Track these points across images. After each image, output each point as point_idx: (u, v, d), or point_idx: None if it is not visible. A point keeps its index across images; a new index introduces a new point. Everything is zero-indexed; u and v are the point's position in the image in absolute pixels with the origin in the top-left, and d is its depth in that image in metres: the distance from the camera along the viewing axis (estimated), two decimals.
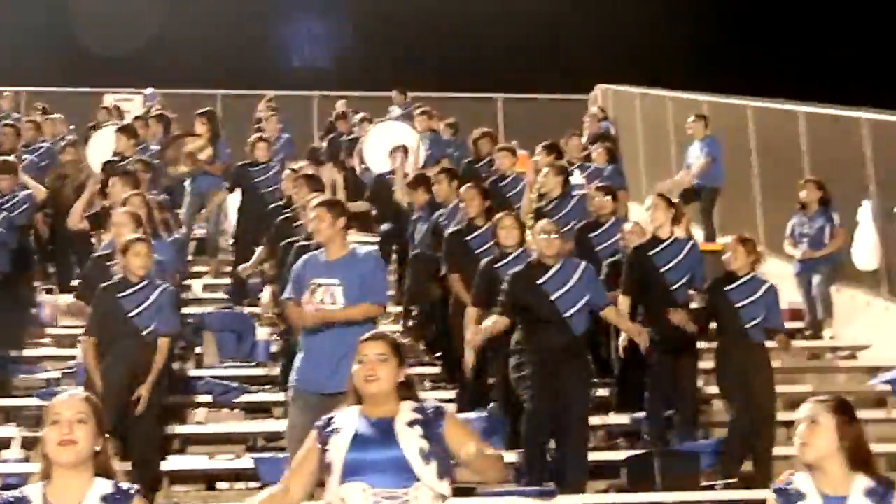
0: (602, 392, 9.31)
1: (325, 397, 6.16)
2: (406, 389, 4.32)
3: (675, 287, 8.41)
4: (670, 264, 8.47)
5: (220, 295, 12.17)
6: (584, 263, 7.80)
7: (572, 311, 7.52)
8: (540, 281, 7.59)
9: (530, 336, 7.58)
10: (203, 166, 12.63)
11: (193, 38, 23.05)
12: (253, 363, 10.21)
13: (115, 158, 11.56)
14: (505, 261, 8.17)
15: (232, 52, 23.18)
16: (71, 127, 15.73)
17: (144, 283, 7.59)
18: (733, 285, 8.03)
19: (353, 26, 25.25)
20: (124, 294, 7.57)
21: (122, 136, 12.05)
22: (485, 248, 8.74)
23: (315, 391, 6.45)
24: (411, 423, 4.20)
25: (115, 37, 21.81)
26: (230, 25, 23.65)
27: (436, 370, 9.96)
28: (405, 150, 12.31)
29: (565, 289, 7.56)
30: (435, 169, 11.22)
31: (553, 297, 7.52)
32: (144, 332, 7.53)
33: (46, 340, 10.75)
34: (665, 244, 8.56)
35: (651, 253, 8.53)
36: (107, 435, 3.79)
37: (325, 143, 16.08)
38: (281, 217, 9.89)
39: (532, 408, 7.50)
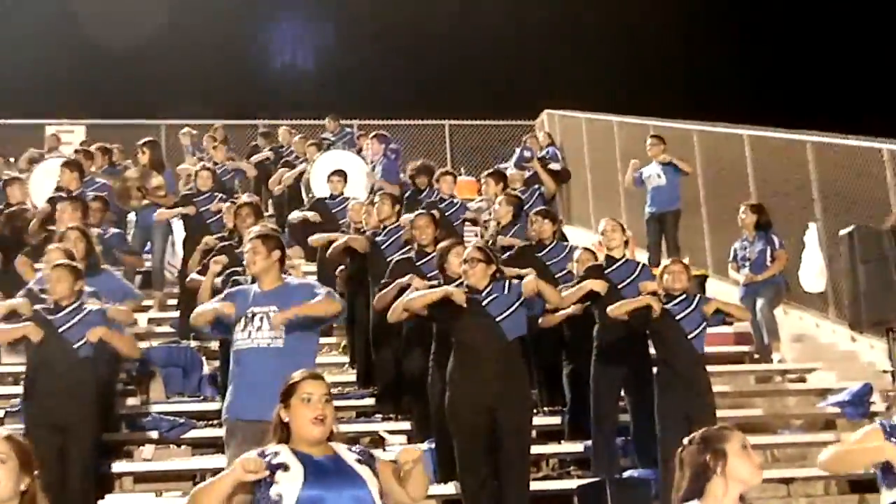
0: (554, 420, 9.38)
1: (266, 424, 6.19)
2: (331, 431, 4.36)
3: None
4: (626, 282, 8.72)
5: (167, 329, 12.08)
6: (514, 282, 7.86)
7: (504, 315, 7.57)
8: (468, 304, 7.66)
9: (464, 361, 7.59)
10: (157, 200, 12.57)
11: (138, 66, 22.96)
12: (200, 398, 10.14)
13: (61, 194, 11.46)
14: None
15: (178, 81, 23.10)
16: (11, 159, 15.61)
17: (74, 305, 7.69)
18: (674, 301, 8.20)
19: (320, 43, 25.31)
20: (55, 315, 7.66)
21: (66, 170, 11.92)
22: (431, 275, 8.79)
23: (255, 418, 6.41)
24: (359, 462, 4.23)
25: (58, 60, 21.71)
26: (176, 53, 23.60)
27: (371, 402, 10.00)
28: (344, 175, 12.42)
29: (496, 296, 7.64)
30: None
31: (484, 303, 7.59)
32: (76, 345, 7.57)
33: None
34: (619, 263, 8.85)
35: (607, 271, 8.79)
36: (35, 473, 3.71)
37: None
38: (224, 246, 9.83)
39: (464, 438, 7.51)
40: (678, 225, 13.50)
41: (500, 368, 7.45)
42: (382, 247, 9.98)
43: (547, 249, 9.87)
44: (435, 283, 8.28)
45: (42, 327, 7.61)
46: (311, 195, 13.51)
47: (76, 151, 14.45)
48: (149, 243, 13.09)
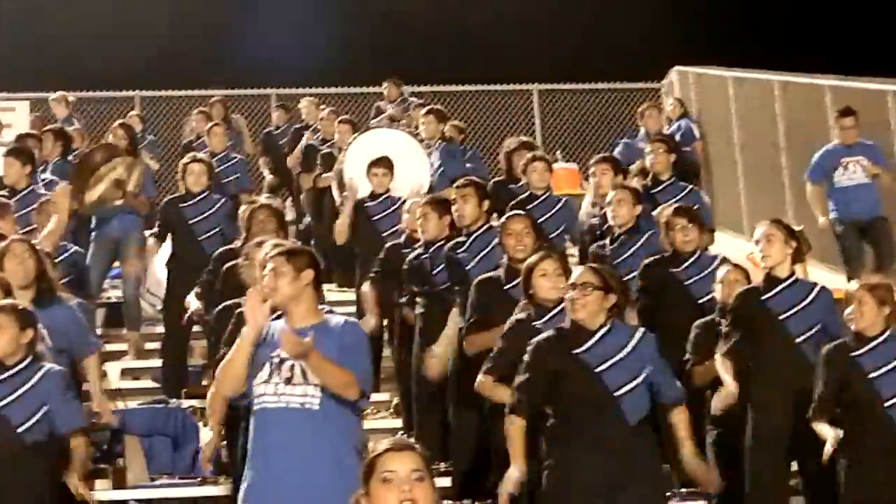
0: None
1: None
2: None
3: (800, 340, 8.45)
4: (792, 311, 8.51)
5: (147, 383, 12.14)
6: (641, 330, 7.60)
7: (626, 388, 7.31)
8: (577, 350, 7.40)
9: (561, 446, 7.33)
10: (129, 201, 12.47)
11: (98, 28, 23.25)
12: (196, 479, 10.17)
13: (3, 193, 11.52)
14: (543, 320, 8.03)
15: (154, 43, 23.31)
16: None
17: (22, 364, 7.52)
18: (871, 344, 7.97)
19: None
20: None
21: (15, 162, 11.87)
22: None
23: None
24: None
25: None
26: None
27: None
28: (389, 165, 12.36)
29: (616, 359, 7.35)
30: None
31: (598, 369, 7.32)
32: (21, 430, 7.41)
33: None
34: (785, 285, 8.60)
35: (766, 297, 8.56)
36: None
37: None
38: (228, 267, 9.76)
39: None
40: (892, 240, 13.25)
41: (616, 461, 7.21)
42: (468, 266, 9.69)
43: (687, 264, 9.75)
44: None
45: None
46: (345, 193, 13.46)
47: (23, 136, 14.44)
48: (116, 264, 13.08)
